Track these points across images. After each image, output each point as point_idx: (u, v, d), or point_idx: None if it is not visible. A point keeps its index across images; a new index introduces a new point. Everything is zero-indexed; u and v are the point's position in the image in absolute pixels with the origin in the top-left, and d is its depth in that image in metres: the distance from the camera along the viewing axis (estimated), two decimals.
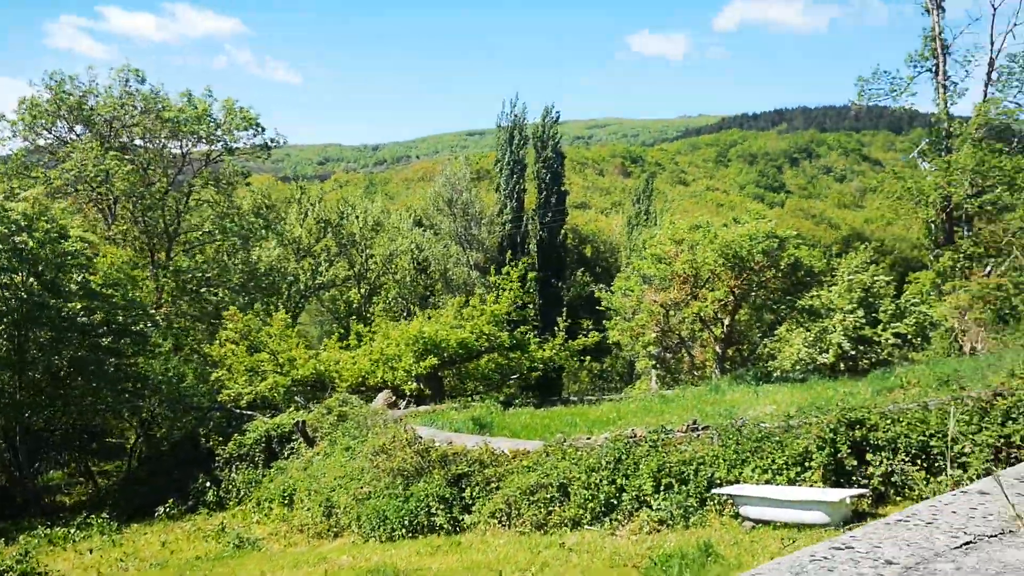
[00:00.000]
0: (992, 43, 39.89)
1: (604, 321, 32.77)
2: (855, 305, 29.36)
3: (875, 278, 30.27)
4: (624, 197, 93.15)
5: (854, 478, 12.17)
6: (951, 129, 39.61)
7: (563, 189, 61.44)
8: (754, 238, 26.74)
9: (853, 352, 29.14)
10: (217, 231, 40.85)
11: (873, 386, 21.64)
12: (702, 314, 28.66)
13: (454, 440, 18.00)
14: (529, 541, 13.01)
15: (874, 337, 28.99)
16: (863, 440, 12.29)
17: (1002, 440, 11.39)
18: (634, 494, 13.56)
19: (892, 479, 11.89)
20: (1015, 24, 39.18)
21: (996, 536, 2.87)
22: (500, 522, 14.53)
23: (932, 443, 11.79)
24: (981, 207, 36.10)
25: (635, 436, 14.83)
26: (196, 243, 42.71)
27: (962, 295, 32.26)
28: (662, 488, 13.38)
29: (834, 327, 29.18)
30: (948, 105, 40.78)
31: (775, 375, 29.08)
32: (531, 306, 57.48)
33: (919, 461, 11.81)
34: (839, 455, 12.22)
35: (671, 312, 30.09)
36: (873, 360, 28.96)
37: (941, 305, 32.90)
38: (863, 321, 29.13)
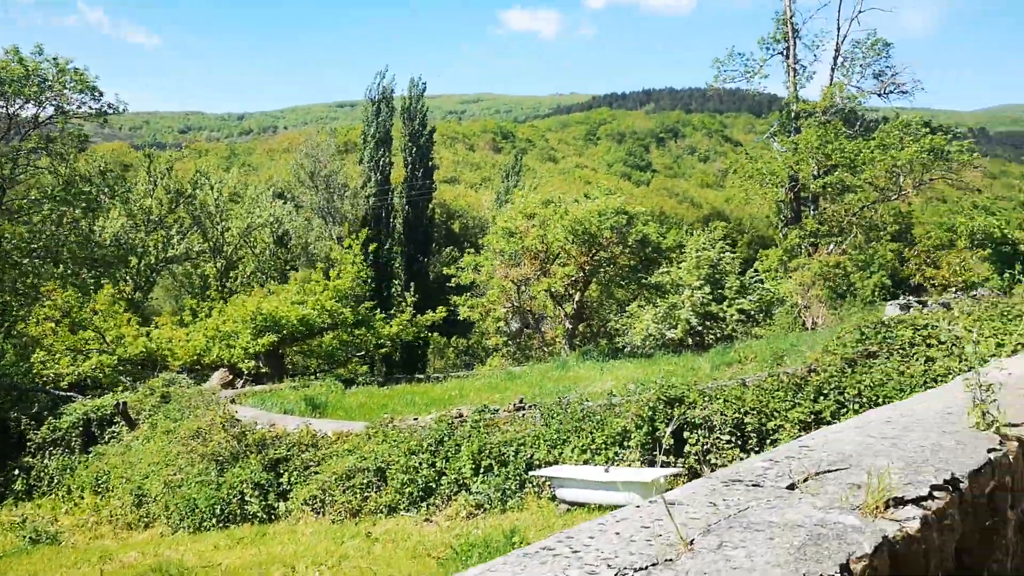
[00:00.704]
0: (839, 29, 41.27)
1: (455, 297, 32.12)
2: (703, 282, 29.71)
3: (721, 255, 30.72)
4: (494, 173, 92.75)
5: (672, 457, 11.91)
6: (799, 111, 40.78)
7: (431, 163, 60.44)
8: (603, 214, 26.56)
9: (700, 327, 29.52)
10: (46, 199, 37.83)
11: (713, 361, 21.84)
12: (552, 290, 28.39)
13: (278, 422, 16.99)
14: (338, 531, 12.21)
15: (720, 313, 29.44)
16: (682, 418, 12.03)
17: (813, 416, 11.32)
18: (454, 477, 12.95)
19: (708, 457, 11.68)
20: (860, 11, 40.60)
21: (644, 569, 2.27)
22: (314, 509, 13.66)
23: (747, 420, 11.62)
24: (825, 187, 37.30)
25: (461, 416, 14.22)
26: (22, 211, 39.43)
27: (806, 272, 33.25)
28: (482, 471, 12.82)
29: (682, 303, 29.47)
30: (798, 88, 41.99)
31: (625, 351, 29.17)
32: (396, 282, 56.65)
33: (734, 438, 11.64)
34: (657, 433, 11.94)
35: (522, 288, 29.72)
36: (719, 335, 29.43)
37: (787, 281, 33.86)
38: (710, 297, 29.53)
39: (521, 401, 14.49)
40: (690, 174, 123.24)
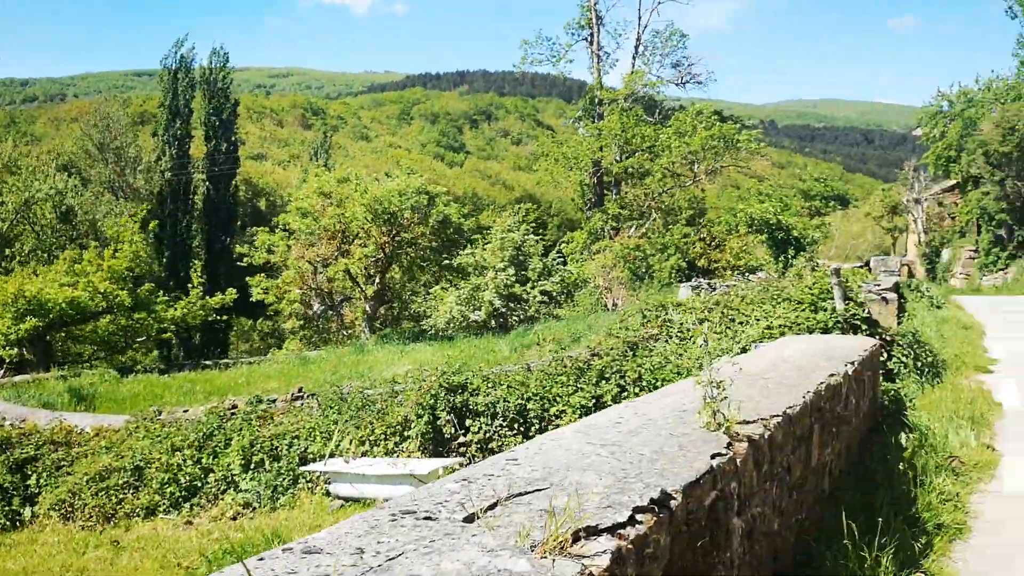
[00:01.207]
0: (640, 18, 42.49)
1: (249, 278, 30.48)
2: (507, 263, 29.72)
3: (526, 237, 30.83)
4: (303, 150, 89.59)
5: (453, 446, 11.47)
6: (603, 97, 41.71)
7: (236, 138, 57.42)
8: (403, 194, 25.88)
9: (504, 309, 29.53)
10: None
11: (513, 344, 21.74)
12: (351, 271, 27.41)
13: (30, 417, 15.27)
14: (83, 539, 10.96)
15: (523, 295, 29.55)
16: (464, 405, 11.61)
17: (594, 401, 11.20)
18: (222, 475, 11.98)
19: (490, 446, 11.32)
20: (660, 2, 41.92)
21: None
22: (63, 515, 12.27)
23: (529, 406, 11.35)
24: (626, 171, 38.36)
25: (234, 408, 13.21)
26: None
27: (608, 254, 34.00)
28: (252, 466, 11.91)
29: (486, 285, 29.37)
30: (602, 74, 42.92)
31: (429, 334, 28.74)
32: (196, 262, 53.51)
33: (516, 425, 11.34)
34: (438, 422, 11.45)
35: (319, 269, 28.58)
36: (522, 317, 29.54)
37: (590, 263, 34.52)
38: (514, 279, 29.58)
39: (300, 390, 13.67)
40: (503, 156, 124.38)
